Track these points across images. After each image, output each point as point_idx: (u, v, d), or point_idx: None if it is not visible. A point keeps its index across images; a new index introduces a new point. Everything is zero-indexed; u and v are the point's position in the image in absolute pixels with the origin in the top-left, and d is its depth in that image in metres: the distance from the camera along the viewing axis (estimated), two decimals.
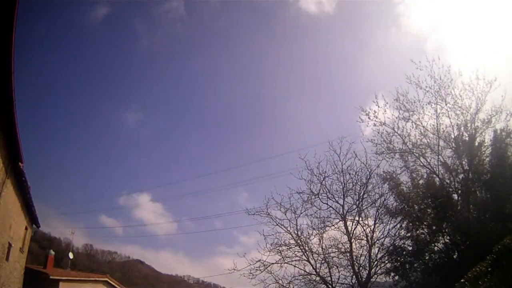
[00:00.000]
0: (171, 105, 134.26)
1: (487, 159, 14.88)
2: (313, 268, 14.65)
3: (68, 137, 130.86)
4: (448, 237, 14.94)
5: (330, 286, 14.47)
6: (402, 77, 14.69)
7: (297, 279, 14.74)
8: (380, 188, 15.21)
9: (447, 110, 14.26)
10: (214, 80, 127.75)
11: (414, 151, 14.99)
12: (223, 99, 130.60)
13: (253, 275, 14.37)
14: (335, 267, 14.80)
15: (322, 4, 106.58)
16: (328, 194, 14.98)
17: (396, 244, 15.04)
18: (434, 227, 14.95)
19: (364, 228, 14.94)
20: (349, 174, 14.90)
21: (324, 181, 14.97)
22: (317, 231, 15.08)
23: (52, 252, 26.74)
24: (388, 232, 14.98)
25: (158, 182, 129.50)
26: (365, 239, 14.86)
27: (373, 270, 14.48)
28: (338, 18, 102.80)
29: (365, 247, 14.86)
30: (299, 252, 14.88)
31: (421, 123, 14.71)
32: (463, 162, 14.54)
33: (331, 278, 14.56)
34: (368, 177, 14.90)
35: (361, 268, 14.53)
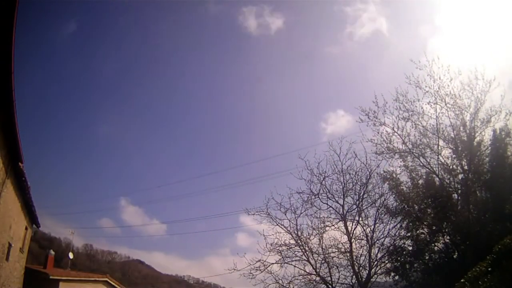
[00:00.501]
0: (168, 109, 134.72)
1: (487, 158, 14.87)
2: (313, 268, 14.65)
3: (68, 137, 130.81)
4: (448, 237, 14.94)
5: (330, 286, 14.46)
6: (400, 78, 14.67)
7: (297, 279, 14.75)
8: (380, 188, 15.24)
9: (446, 110, 14.27)
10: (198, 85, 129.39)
11: (414, 151, 14.98)
12: (211, 102, 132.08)
13: (253, 275, 14.38)
14: (335, 267, 14.81)
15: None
16: (328, 194, 15.01)
17: (396, 244, 15.03)
18: (434, 227, 14.95)
19: (364, 228, 14.97)
20: (349, 174, 14.93)
21: (324, 181, 15.00)
22: (317, 231, 15.09)
23: (52, 252, 26.75)
24: (388, 232, 14.99)
25: (147, 185, 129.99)
26: (365, 239, 14.87)
27: (373, 270, 14.48)
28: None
29: (365, 247, 14.88)
30: (299, 252, 14.89)
31: (421, 123, 14.71)
32: (463, 162, 14.54)
33: (331, 278, 14.56)
34: (368, 177, 14.92)
35: (361, 268, 14.54)
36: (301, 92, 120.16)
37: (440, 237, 15.15)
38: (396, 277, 15.17)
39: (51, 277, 21.36)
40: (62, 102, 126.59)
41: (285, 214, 15.01)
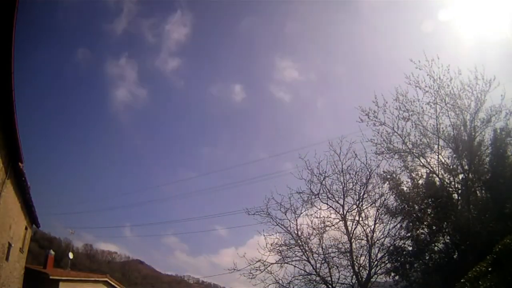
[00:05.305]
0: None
1: (487, 158, 14.86)
2: (313, 268, 14.66)
3: (68, 137, 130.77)
4: (448, 237, 14.92)
5: (330, 286, 14.46)
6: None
7: (297, 279, 14.77)
8: (380, 188, 15.22)
9: (446, 110, 14.26)
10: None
11: (414, 151, 14.97)
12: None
13: (253, 275, 14.39)
14: (335, 267, 14.81)
15: None
16: (328, 194, 15.00)
17: (396, 244, 15.02)
18: (434, 227, 14.94)
19: (364, 228, 14.95)
20: (349, 174, 14.92)
21: (324, 181, 14.99)
22: (317, 231, 15.09)
23: (52, 252, 26.78)
24: (388, 232, 14.97)
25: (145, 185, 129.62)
26: (365, 239, 14.86)
27: (373, 270, 14.47)
28: None
29: (365, 247, 14.87)
30: (299, 252, 14.91)
31: (421, 122, 14.70)
32: (463, 162, 14.52)
33: (331, 278, 14.56)
34: (368, 177, 14.90)
35: (361, 268, 14.53)
36: None
37: (440, 237, 15.14)
38: (396, 277, 15.16)
39: (51, 277, 21.39)
40: (62, 102, 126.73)
41: (285, 214, 15.05)
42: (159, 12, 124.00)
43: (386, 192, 15.29)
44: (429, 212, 15.00)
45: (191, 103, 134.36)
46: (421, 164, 15.28)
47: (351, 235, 14.71)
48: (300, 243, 14.88)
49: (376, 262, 14.66)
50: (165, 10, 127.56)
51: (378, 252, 14.89)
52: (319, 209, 15.10)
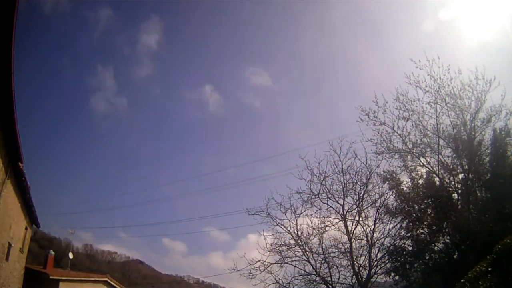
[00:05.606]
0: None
1: (487, 158, 14.87)
2: (313, 268, 14.66)
3: (68, 137, 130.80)
4: (448, 237, 14.93)
5: (330, 286, 14.46)
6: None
7: (297, 279, 14.77)
8: (380, 188, 15.22)
9: (446, 109, 14.26)
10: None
11: (414, 150, 14.97)
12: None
13: (253, 275, 14.39)
14: (335, 267, 14.80)
15: None
16: (328, 194, 14.99)
17: (396, 244, 15.01)
18: (434, 227, 14.93)
19: (364, 228, 14.94)
20: (349, 174, 14.91)
21: (324, 181, 14.99)
22: (317, 231, 15.08)
23: (52, 252, 26.79)
24: (388, 232, 14.97)
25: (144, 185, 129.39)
26: (365, 239, 14.86)
27: (373, 270, 14.47)
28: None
29: (365, 247, 14.87)
30: (299, 252, 14.90)
31: (421, 122, 14.70)
32: (463, 162, 14.53)
33: (331, 278, 14.56)
34: (368, 177, 14.90)
35: (361, 268, 14.53)
36: None
37: (440, 237, 15.14)
38: (396, 277, 15.16)
39: (51, 277, 21.40)
40: (62, 102, 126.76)
41: (285, 214, 15.04)
42: (134, 22, 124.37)
43: (386, 192, 15.31)
44: (429, 212, 15.00)
45: (172, 107, 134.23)
46: (421, 164, 15.29)
47: (351, 235, 14.71)
48: (300, 243, 14.88)
49: (376, 262, 14.65)
50: (139, 19, 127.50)
51: (378, 252, 14.91)
52: (319, 209, 15.11)
